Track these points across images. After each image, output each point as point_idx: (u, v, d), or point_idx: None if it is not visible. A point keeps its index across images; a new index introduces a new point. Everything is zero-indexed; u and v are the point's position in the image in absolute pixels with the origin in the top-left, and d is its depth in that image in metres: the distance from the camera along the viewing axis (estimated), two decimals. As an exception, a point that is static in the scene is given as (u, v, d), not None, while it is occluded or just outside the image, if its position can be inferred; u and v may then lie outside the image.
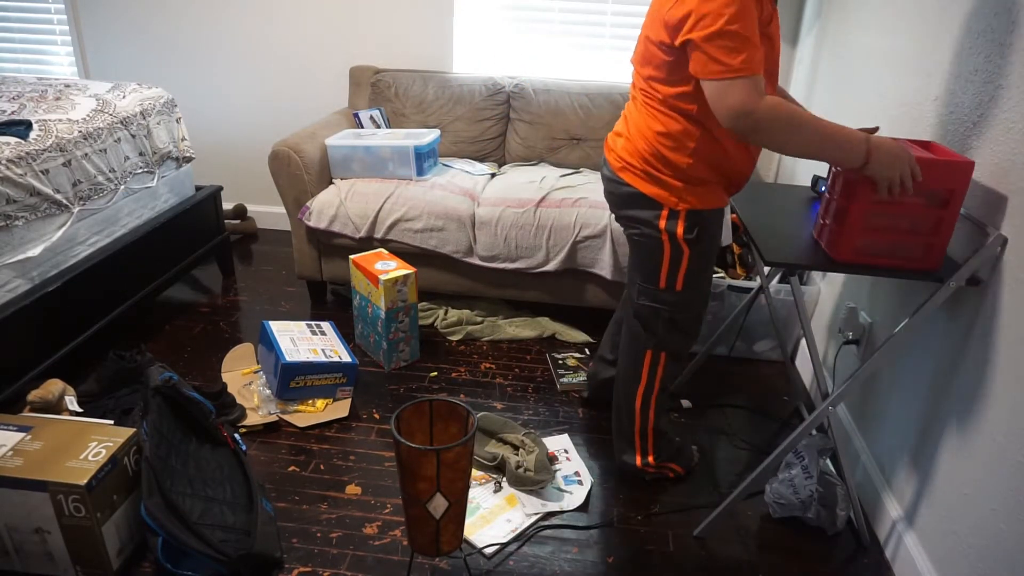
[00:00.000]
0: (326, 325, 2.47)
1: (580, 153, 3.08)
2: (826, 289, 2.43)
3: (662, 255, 1.73)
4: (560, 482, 1.99)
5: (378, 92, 3.20)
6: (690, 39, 1.44)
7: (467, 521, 1.80)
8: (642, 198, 1.70)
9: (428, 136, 2.83)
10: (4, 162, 2.02)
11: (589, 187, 2.71)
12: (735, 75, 1.40)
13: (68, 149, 2.26)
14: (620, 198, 1.77)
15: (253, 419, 2.16)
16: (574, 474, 2.04)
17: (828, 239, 1.57)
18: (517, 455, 1.98)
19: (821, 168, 2.59)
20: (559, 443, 2.15)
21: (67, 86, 2.68)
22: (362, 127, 3.10)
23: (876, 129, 1.62)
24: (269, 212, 3.72)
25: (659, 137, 1.64)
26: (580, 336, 2.73)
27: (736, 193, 1.80)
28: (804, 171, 2.76)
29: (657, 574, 1.71)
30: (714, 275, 2.66)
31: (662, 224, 1.69)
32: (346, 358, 2.28)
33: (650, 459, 1.96)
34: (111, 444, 1.62)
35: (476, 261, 2.66)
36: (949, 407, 1.56)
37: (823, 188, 1.93)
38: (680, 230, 1.68)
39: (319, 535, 1.78)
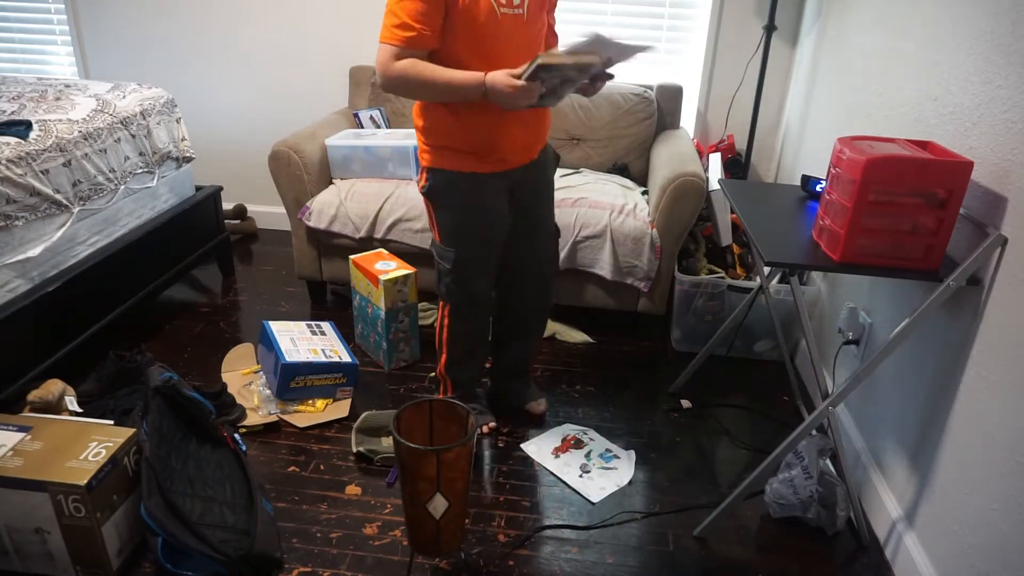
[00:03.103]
0: (326, 325, 2.47)
1: (580, 153, 3.08)
2: (826, 289, 2.43)
3: (427, 206, 1.95)
4: (600, 461, 2.05)
5: (378, 92, 3.19)
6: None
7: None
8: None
9: (428, 136, 2.82)
10: (4, 162, 2.02)
11: (589, 187, 2.71)
12: (381, 41, 1.70)
13: (68, 149, 2.26)
14: None
15: (253, 419, 2.16)
16: (606, 451, 2.10)
17: (828, 239, 1.57)
18: None
19: (811, 169, 2.59)
20: (572, 429, 2.20)
21: (67, 86, 2.68)
22: (362, 127, 3.10)
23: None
24: (269, 212, 3.72)
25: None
26: (580, 336, 2.73)
27: (501, 168, 1.87)
28: (803, 170, 2.76)
29: (657, 574, 1.71)
30: (714, 275, 2.66)
31: (420, 180, 1.91)
32: (346, 358, 2.28)
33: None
34: (111, 444, 1.62)
35: (476, 261, 2.66)
36: (949, 407, 1.57)
37: (815, 187, 1.93)
38: (420, 185, 1.91)
39: (319, 535, 1.78)
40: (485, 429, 2.17)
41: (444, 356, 2.10)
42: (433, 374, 2.47)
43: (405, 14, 1.65)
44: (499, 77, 1.63)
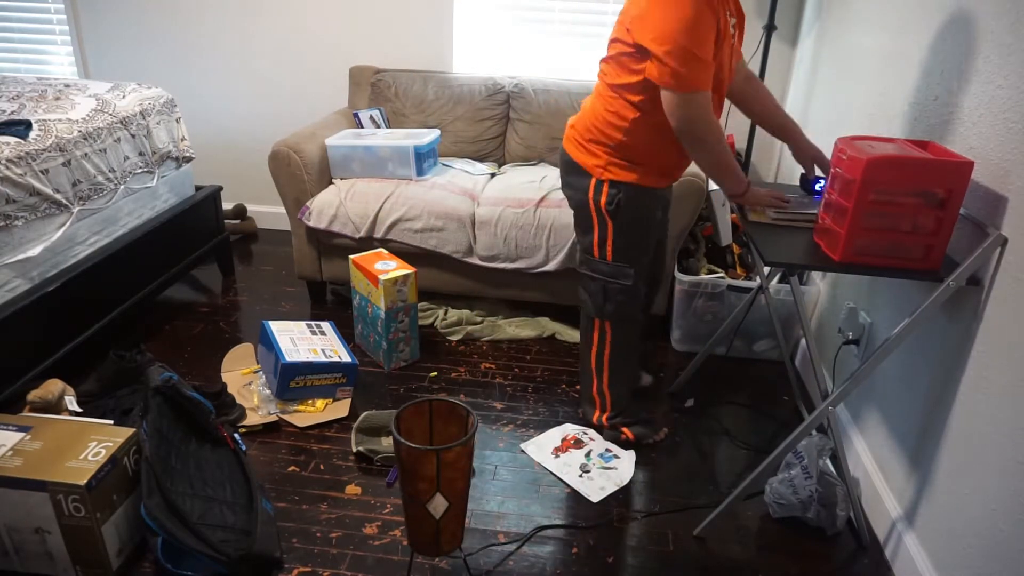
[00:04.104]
0: (326, 325, 2.47)
1: (580, 153, 3.08)
2: (826, 289, 2.43)
3: (592, 225, 1.93)
4: (600, 461, 2.06)
5: (378, 92, 3.20)
6: (647, 47, 1.65)
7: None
8: (575, 166, 1.92)
9: (428, 136, 2.83)
10: (4, 162, 2.02)
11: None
12: (695, 87, 1.64)
13: (68, 149, 2.26)
14: (562, 166, 1.99)
15: (253, 419, 2.16)
16: (606, 451, 2.11)
17: (828, 239, 1.57)
18: None
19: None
20: (572, 429, 2.20)
21: (67, 86, 2.68)
22: (362, 127, 3.10)
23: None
24: (269, 212, 3.72)
25: (605, 113, 1.84)
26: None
27: (669, 183, 1.98)
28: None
29: (657, 574, 1.71)
30: (714, 275, 2.66)
31: (590, 194, 1.89)
32: (346, 358, 2.28)
33: (604, 417, 2.15)
34: (111, 444, 1.62)
35: (476, 261, 2.66)
36: (949, 407, 1.57)
37: (815, 185, 1.94)
38: (603, 200, 1.87)
39: (319, 535, 1.78)
40: (660, 436, 2.18)
41: (606, 375, 2.09)
42: (434, 374, 2.47)
43: (708, 54, 1.62)
44: (758, 189, 1.79)
